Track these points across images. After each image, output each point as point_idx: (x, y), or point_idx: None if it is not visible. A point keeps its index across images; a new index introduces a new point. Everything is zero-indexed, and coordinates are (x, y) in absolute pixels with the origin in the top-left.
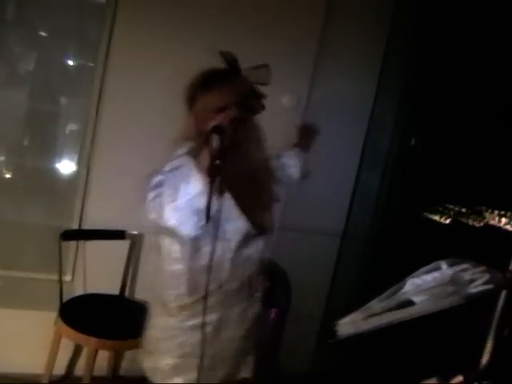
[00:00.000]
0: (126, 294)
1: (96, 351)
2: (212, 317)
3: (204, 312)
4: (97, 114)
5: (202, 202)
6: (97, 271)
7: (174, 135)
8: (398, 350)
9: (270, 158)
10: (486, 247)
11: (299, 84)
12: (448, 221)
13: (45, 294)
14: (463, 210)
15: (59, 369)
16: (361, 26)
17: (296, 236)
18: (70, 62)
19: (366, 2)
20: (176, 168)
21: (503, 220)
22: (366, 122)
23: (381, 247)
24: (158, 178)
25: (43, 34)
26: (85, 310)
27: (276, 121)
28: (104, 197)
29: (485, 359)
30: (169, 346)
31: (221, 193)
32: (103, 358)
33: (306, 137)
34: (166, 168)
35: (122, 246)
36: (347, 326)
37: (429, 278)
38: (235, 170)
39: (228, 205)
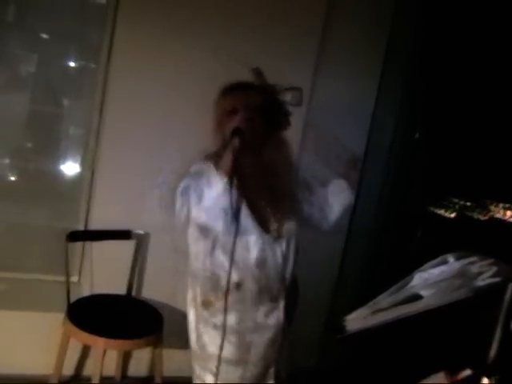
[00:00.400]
0: (133, 293)
1: (104, 351)
2: (232, 317)
3: (225, 310)
4: (100, 115)
5: (226, 201)
6: (103, 271)
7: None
8: (404, 344)
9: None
10: (491, 240)
11: (300, 84)
12: (453, 215)
13: (52, 296)
14: (468, 204)
15: (68, 369)
16: (361, 26)
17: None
18: (72, 64)
19: (366, 2)
20: (198, 173)
21: (508, 213)
22: (369, 119)
23: (386, 243)
24: (183, 184)
25: (45, 36)
26: (92, 311)
27: None
28: (109, 197)
29: (492, 353)
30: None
31: (242, 192)
32: (111, 358)
33: (352, 170)
34: (189, 174)
35: (128, 245)
36: (355, 321)
37: (436, 271)
38: (259, 177)
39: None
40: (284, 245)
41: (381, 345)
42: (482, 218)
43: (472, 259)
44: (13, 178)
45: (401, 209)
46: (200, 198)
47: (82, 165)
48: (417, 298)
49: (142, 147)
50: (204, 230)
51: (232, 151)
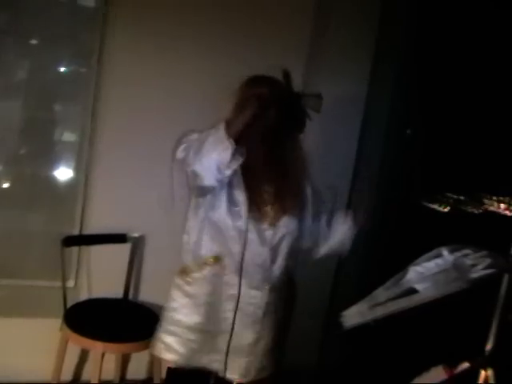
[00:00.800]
0: (130, 296)
1: (103, 355)
2: (206, 289)
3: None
4: (93, 119)
5: (223, 159)
6: (100, 276)
7: (171, 136)
8: (402, 340)
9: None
10: (486, 233)
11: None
12: (447, 209)
13: (49, 301)
14: (462, 198)
15: (66, 374)
16: (350, 24)
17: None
18: (64, 69)
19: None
20: (205, 131)
21: (502, 205)
22: (361, 115)
23: (382, 237)
24: (192, 136)
25: (35, 41)
26: (90, 315)
27: None
28: (104, 201)
29: (490, 345)
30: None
31: (244, 175)
32: (110, 362)
33: (361, 219)
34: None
35: (124, 249)
36: (353, 316)
37: (431, 264)
38: (265, 169)
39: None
40: (276, 238)
41: (379, 342)
42: (476, 211)
43: (466, 252)
44: (7, 185)
45: (395, 204)
46: (201, 147)
47: (76, 169)
48: (413, 291)
49: (135, 150)
50: (200, 191)
51: (244, 114)
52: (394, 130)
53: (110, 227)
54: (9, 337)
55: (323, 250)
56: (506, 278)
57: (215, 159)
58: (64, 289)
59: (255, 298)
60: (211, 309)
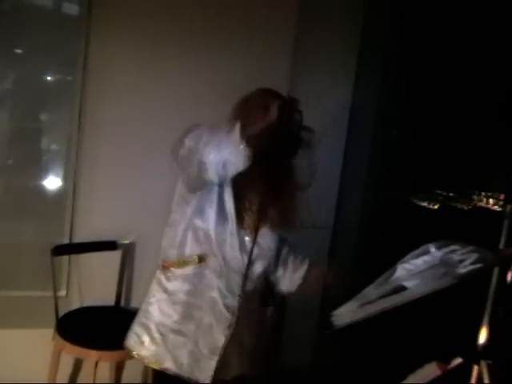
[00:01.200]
0: (122, 303)
1: (96, 363)
2: (185, 288)
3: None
4: (79, 128)
5: (234, 160)
6: (91, 284)
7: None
8: (395, 337)
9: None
10: (476, 229)
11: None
12: (437, 206)
13: (41, 311)
14: (451, 195)
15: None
16: (334, 25)
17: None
18: (49, 78)
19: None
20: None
21: (491, 201)
22: (347, 116)
23: (372, 237)
24: (201, 128)
25: (20, 51)
26: (82, 324)
27: None
28: (93, 209)
29: (482, 340)
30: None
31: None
32: (104, 370)
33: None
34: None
35: (114, 256)
36: (344, 315)
37: (419, 261)
38: (255, 184)
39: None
40: (256, 247)
41: (373, 340)
42: (465, 207)
43: (453, 247)
44: None
45: (384, 203)
46: (212, 142)
47: (64, 178)
48: (402, 288)
49: (123, 158)
50: (196, 184)
51: (265, 121)
52: (381, 129)
53: (100, 235)
54: (1, 348)
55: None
56: (496, 271)
57: (225, 157)
58: (55, 298)
59: (232, 302)
60: (188, 309)
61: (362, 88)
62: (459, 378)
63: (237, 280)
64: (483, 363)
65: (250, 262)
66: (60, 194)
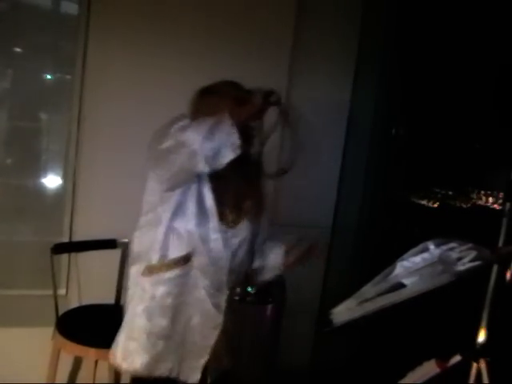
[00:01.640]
0: (122, 302)
1: (96, 362)
2: (172, 291)
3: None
4: (78, 126)
5: (225, 146)
6: (90, 282)
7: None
8: (395, 335)
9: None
10: (475, 227)
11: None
12: (436, 204)
13: (40, 310)
14: (450, 193)
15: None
16: (333, 25)
17: (286, 231)
18: (48, 77)
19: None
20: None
21: (490, 199)
22: (346, 115)
23: (371, 235)
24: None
25: (18, 50)
26: (82, 322)
27: None
28: (92, 208)
29: (480, 337)
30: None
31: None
32: (103, 369)
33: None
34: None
35: (114, 255)
36: (342, 313)
37: (418, 259)
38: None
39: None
40: (236, 242)
41: (372, 339)
42: (464, 205)
43: (452, 245)
44: None
45: (384, 201)
46: (204, 131)
47: (64, 177)
48: (400, 286)
49: (122, 156)
50: (181, 179)
51: (251, 107)
52: (380, 128)
53: (100, 233)
54: (1, 347)
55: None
56: (494, 269)
57: (218, 146)
58: (55, 296)
59: (220, 299)
60: (176, 312)
61: (360, 87)
62: (458, 375)
63: (222, 276)
64: (482, 361)
65: (233, 256)
66: (59, 193)
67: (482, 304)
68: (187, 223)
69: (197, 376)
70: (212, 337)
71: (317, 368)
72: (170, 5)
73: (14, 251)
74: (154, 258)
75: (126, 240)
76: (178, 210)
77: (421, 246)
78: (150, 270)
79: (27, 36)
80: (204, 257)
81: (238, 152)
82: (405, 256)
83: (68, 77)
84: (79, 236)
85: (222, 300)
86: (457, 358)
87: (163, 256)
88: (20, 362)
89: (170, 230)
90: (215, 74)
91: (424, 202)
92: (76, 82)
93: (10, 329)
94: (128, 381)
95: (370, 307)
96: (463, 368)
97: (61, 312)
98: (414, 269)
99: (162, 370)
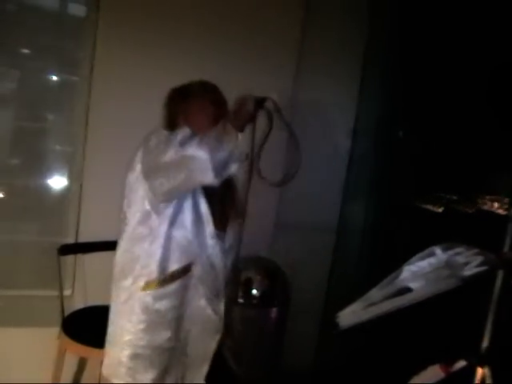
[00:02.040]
0: None
1: (101, 362)
2: (173, 303)
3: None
4: (85, 127)
5: (234, 154)
6: (96, 284)
7: None
8: (399, 339)
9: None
10: (480, 232)
11: (282, 84)
12: (441, 209)
13: (46, 310)
14: (455, 198)
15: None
16: (339, 31)
17: (292, 234)
18: (55, 78)
19: (342, 7)
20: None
21: (495, 204)
22: (353, 116)
23: (376, 239)
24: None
25: (25, 51)
26: (87, 323)
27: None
28: (98, 209)
29: (485, 342)
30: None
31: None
32: None
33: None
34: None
35: None
36: (348, 316)
37: (424, 263)
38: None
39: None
40: (227, 244)
41: (376, 341)
42: (469, 210)
43: (458, 250)
44: (0, 195)
45: (388, 206)
46: (208, 141)
47: (70, 178)
48: (407, 290)
49: (128, 158)
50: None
51: (248, 115)
52: (386, 132)
53: (105, 235)
54: (6, 347)
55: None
56: (500, 275)
57: (226, 158)
58: (61, 298)
59: (219, 305)
60: (178, 323)
61: (366, 90)
62: (462, 380)
63: (220, 281)
64: (486, 366)
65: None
66: (66, 194)
67: (487, 309)
68: (184, 232)
69: (201, 382)
70: (213, 343)
71: (320, 369)
72: (177, 6)
73: (19, 252)
74: (154, 272)
75: None
76: (175, 221)
77: (427, 251)
78: (150, 286)
79: (34, 37)
80: (203, 264)
81: (244, 160)
82: (411, 260)
83: (74, 78)
84: (85, 237)
85: (221, 305)
86: (461, 363)
87: (163, 269)
88: (26, 361)
89: (168, 241)
90: (222, 76)
91: (429, 207)
92: (84, 83)
93: (16, 329)
94: None
95: (377, 311)
96: (468, 373)
97: (67, 312)
98: (421, 273)
99: (169, 382)
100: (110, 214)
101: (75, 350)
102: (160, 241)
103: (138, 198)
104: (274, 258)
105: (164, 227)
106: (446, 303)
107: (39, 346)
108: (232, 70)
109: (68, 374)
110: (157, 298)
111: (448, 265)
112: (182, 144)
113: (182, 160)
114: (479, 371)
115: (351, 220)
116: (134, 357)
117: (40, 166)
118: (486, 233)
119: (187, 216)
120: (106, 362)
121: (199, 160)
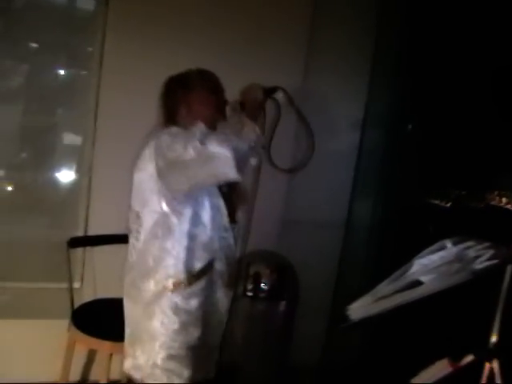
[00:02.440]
0: None
1: (110, 355)
2: (200, 301)
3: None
4: (94, 121)
5: (255, 147)
6: (105, 276)
7: None
8: (407, 334)
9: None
10: (488, 227)
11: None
12: (449, 204)
13: (56, 303)
14: (463, 193)
15: (74, 375)
16: (348, 26)
17: (301, 229)
18: (64, 72)
19: (351, 3)
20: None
21: (504, 199)
22: (362, 112)
23: (384, 235)
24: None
25: (34, 45)
26: (96, 315)
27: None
28: (107, 202)
29: (494, 337)
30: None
31: None
32: (118, 362)
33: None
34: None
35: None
36: (358, 309)
37: (435, 257)
38: None
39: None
40: (235, 232)
41: (383, 337)
42: (478, 205)
43: (469, 244)
44: (10, 189)
45: (397, 201)
46: (227, 137)
47: (79, 172)
48: (417, 283)
49: (137, 152)
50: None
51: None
52: (395, 127)
53: (114, 228)
54: (16, 339)
55: None
56: (509, 269)
57: (247, 153)
58: (71, 290)
59: (229, 298)
60: (206, 319)
61: (375, 86)
62: (470, 375)
63: (232, 272)
64: (495, 361)
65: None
66: (75, 188)
67: (496, 303)
68: (206, 229)
69: (213, 371)
70: (220, 334)
71: (328, 365)
72: (187, 1)
73: (29, 245)
74: (180, 272)
75: None
76: (195, 219)
77: (438, 244)
78: (179, 285)
79: (43, 31)
80: (222, 258)
81: (262, 152)
82: (422, 254)
83: (83, 72)
84: (94, 230)
85: (229, 296)
86: (469, 358)
87: (190, 268)
88: (35, 353)
89: (191, 241)
90: (232, 72)
91: (437, 202)
92: (93, 78)
93: (25, 321)
94: None
95: (387, 304)
96: (476, 368)
97: (76, 305)
98: (432, 267)
99: (200, 378)
100: (118, 208)
101: (85, 342)
102: (183, 241)
103: (154, 198)
104: (282, 253)
105: (185, 227)
106: (454, 297)
107: (49, 338)
108: (241, 68)
109: (77, 365)
110: (186, 298)
111: (459, 258)
112: (202, 141)
113: (204, 158)
114: (487, 366)
115: (360, 215)
116: (169, 358)
117: (49, 159)
118: (494, 228)
119: (206, 213)
120: (131, 363)
121: (222, 158)
